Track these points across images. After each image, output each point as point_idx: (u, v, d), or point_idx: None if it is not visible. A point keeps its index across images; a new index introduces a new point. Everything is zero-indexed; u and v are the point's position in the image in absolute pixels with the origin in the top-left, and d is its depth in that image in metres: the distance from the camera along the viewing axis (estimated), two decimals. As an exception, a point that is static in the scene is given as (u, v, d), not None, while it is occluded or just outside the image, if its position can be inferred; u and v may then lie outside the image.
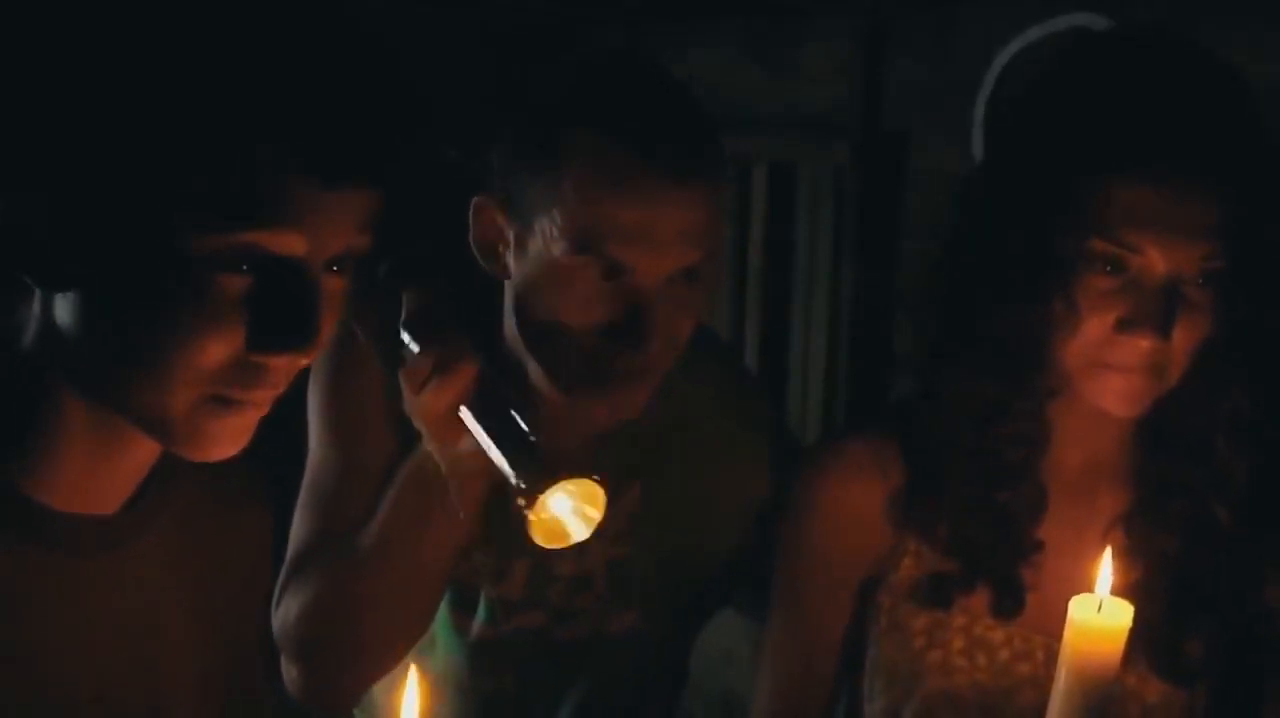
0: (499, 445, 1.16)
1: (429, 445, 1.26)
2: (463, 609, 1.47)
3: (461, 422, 1.19)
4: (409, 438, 1.30)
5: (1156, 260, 1.17)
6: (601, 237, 1.21)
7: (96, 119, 0.86)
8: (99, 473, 0.97)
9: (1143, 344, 1.19)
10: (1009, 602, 1.32)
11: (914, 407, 1.37)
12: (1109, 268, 1.19)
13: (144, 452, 0.99)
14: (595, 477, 1.14)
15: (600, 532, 1.24)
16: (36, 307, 0.93)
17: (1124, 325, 1.19)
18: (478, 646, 1.48)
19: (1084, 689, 1.12)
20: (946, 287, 1.31)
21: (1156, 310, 1.18)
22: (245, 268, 0.88)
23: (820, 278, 3.15)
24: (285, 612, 1.38)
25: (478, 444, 1.19)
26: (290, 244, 0.89)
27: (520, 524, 1.14)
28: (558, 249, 1.22)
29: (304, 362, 0.93)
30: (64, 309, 0.90)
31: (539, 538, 1.15)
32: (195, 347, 0.88)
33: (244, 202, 0.86)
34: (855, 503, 1.36)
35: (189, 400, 0.91)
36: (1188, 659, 1.30)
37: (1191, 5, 2.13)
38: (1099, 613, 1.12)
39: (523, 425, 1.17)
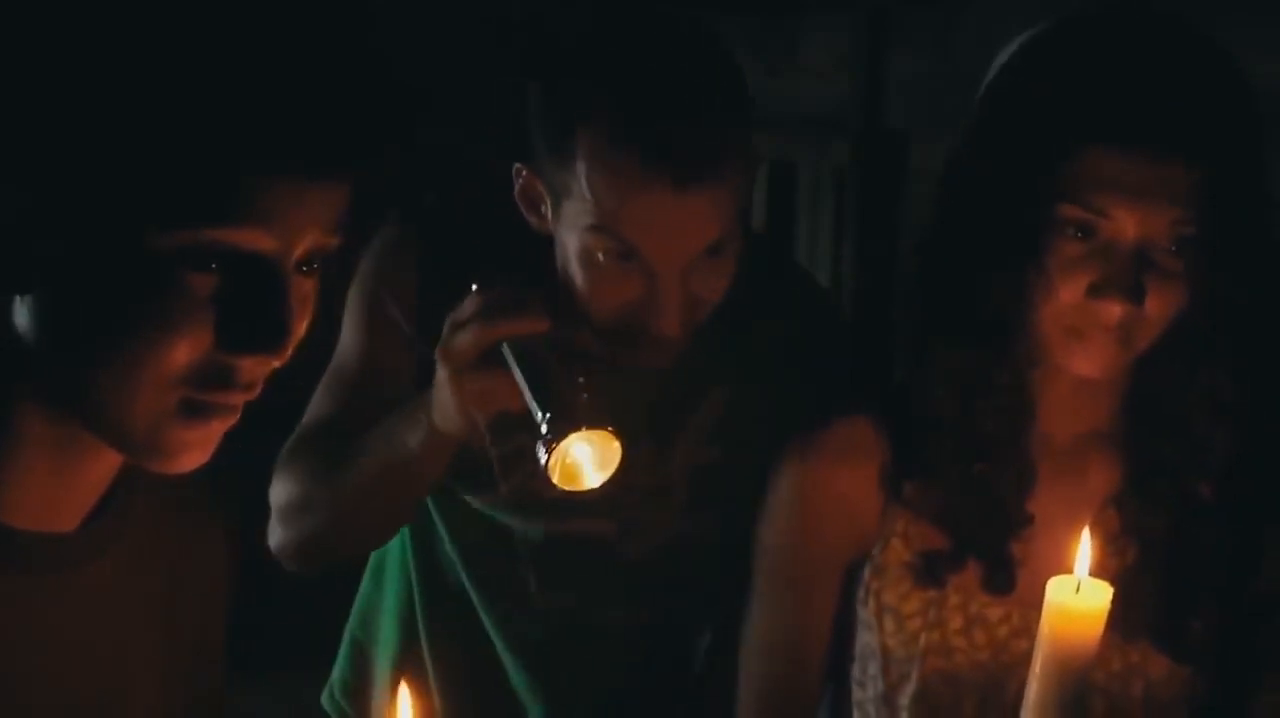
0: (531, 388, 1.19)
1: (445, 380, 1.24)
2: (520, 512, 1.46)
3: (487, 367, 1.21)
4: (429, 363, 1.29)
5: (1125, 225, 1.18)
6: (617, 221, 1.23)
7: (57, 114, 0.84)
8: (59, 490, 0.94)
9: (1113, 309, 1.19)
10: (1000, 576, 1.32)
11: (901, 385, 1.37)
12: (1079, 233, 1.19)
13: (105, 466, 0.96)
14: (612, 429, 1.17)
15: (679, 437, 1.30)
16: None
17: (1094, 291, 1.19)
18: (539, 551, 1.47)
19: (1062, 671, 1.12)
20: (929, 260, 1.32)
21: (1126, 275, 1.18)
22: (214, 266, 0.86)
23: (820, 277, 3.14)
24: (276, 486, 1.42)
25: (493, 393, 1.21)
26: (258, 242, 0.86)
27: (539, 466, 1.17)
28: (582, 223, 1.25)
29: (274, 363, 0.90)
30: (25, 316, 0.88)
31: (556, 478, 1.18)
32: (162, 346, 0.86)
33: (210, 198, 0.84)
34: (842, 485, 1.35)
35: (156, 406, 0.88)
36: (1189, 636, 1.29)
37: (1192, 6, 2.13)
38: (1077, 594, 1.12)
39: (557, 374, 1.20)
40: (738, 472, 1.43)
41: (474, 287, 1.24)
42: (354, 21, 0.89)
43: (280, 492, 1.42)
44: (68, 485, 0.95)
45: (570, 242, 1.28)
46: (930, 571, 1.33)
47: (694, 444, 1.44)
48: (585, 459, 1.19)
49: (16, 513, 0.92)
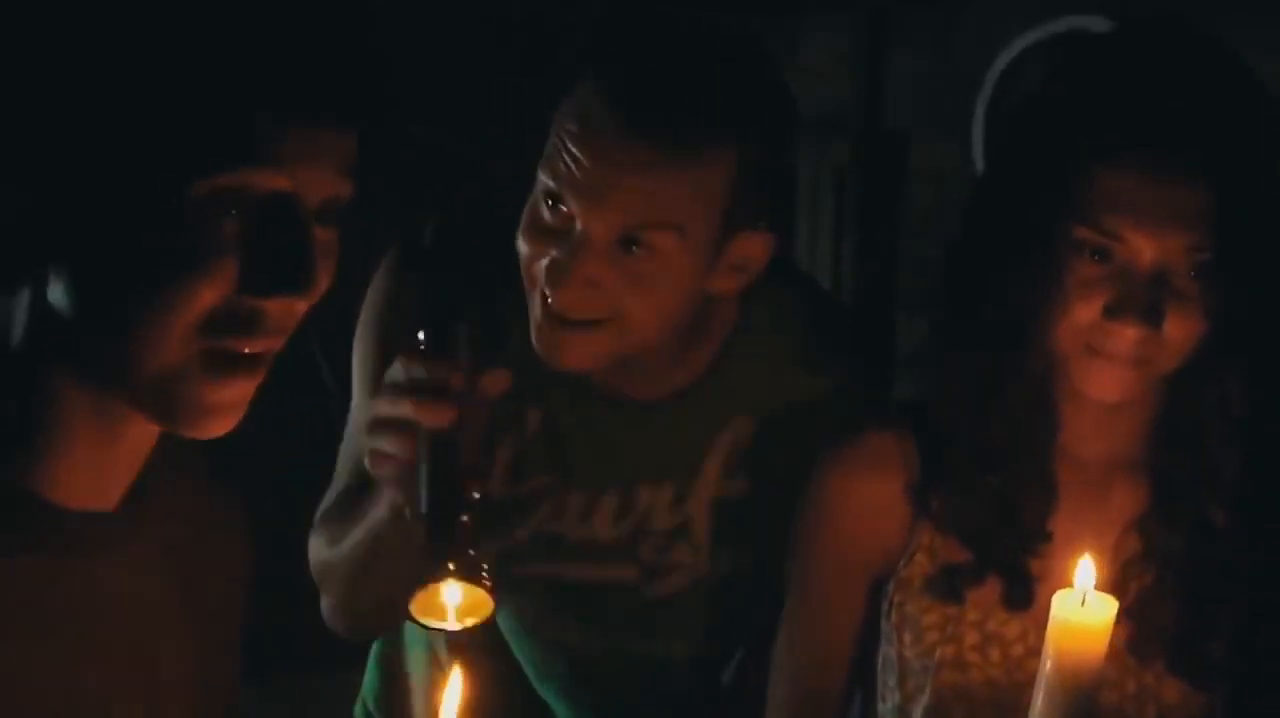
0: (427, 483, 1.12)
1: (363, 445, 1.20)
2: (545, 558, 1.42)
3: (389, 434, 1.15)
4: None
5: (1140, 248, 1.17)
6: (555, 173, 1.22)
7: (71, 72, 0.85)
8: (101, 466, 0.96)
9: (1129, 333, 1.18)
10: (1018, 593, 1.31)
11: (926, 401, 1.37)
12: (1095, 255, 1.19)
13: (141, 442, 0.98)
14: (487, 585, 1.09)
15: (700, 474, 1.29)
16: (25, 300, 0.92)
17: (1110, 313, 1.19)
18: (563, 592, 1.44)
19: (1067, 687, 1.10)
20: (949, 274, 1.32)
21: (1142, 298, 1.17)
22: (234, 212, 0.87)
23: (820, 277, 3.14)
24: (309, 553, 1.40)
25: (385, 462, 1.15)
26: (275, 182, 0.88)
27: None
28: (537, 183, 1.24)
29: (300, 306, 0.92)
30: (53, 290, 0.89)
31: (414, 608, 1.10)
32: (188, 294, 0.87)
33: (226, 143, 0.86)
34: (869, 498, 1.35)
35: (185, 356, 0.90)
36: (1206, 660, 1.29)
37: (1192, 6, 2.13)
38: (1082, 608, 1.11)
39: (462, 501, 1.11)
40: (766, 504, 1.41)
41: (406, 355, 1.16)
42: None
43: (311, 560, 1.40)
44: (108, 462, 0.97)
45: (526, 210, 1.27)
46: (950, 585, 1.33)
47: (715, 478, 1.41)
48: (450, 603, 1.10)
49: (62, 491, 0.94)
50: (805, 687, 1.43)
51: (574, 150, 1.21)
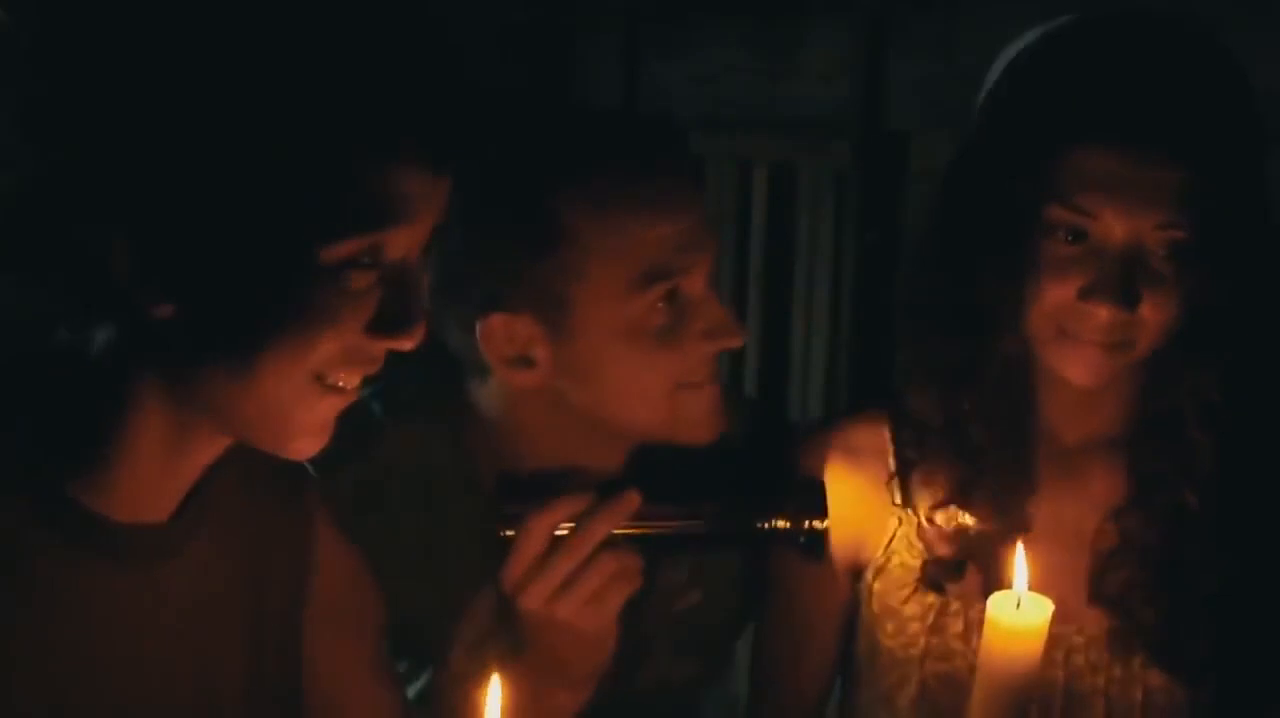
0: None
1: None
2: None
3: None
4: None
5: (1113, 226, 1.17)
6: (664, 262, 1.20)
7: (218, 146, 0.85)
8: (162, 482, 0.98)
9: (1102, 313, 1.19)
10: (996, 583, 1.32)
11: (900, 388, 1.37)
12: (1069, 236, 1.19)
13: (207, 457, 0.99)
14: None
15: (658, 592, 1.25)
16: (117, 320, 0.92)
17: (1084, 294, 1.19)
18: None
19: (1002, 690, 1.10)
20: (922, 255, 1.32)
21: (1115, 279, 1.17)
22: (366, 263, 0.90)
23: (820, 278, 3.14)
24: None
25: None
26: (412, 237, 0.92)
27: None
28: (617, 287, 1.20)
29: (408, 345, 0.95)
30: (171, 326, 0.89)
31: None
32: (315, 344, 0.90)
33: (372, 204, 0.88)
34: (846, 488, 1.36)
35: (303, 396, 0.93)
36: (1187, 655, 1.29)
37: (1193, 6, 2.12)
38: (1018, 610, 1.11)
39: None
40: (719, 617, 1.42)
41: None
42: (437, 23, 0.93)
43: None
44: (171, 478, 0.98)
45: (606, 326, 1.21)
46: (930, 577, 1.33)
47: (675, 590, 1.39)
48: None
49: (115, 506, 0.95)
50: (787, 676, 1.43)
51: (670, 236, 1.23)
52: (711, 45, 3.34)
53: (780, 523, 1.21)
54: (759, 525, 1.21)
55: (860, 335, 3.09)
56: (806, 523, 1.20)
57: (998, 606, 1.11)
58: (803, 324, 3.20)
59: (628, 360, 1.22)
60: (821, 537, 1.20)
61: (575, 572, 1.14)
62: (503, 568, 1.16)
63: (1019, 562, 1.14)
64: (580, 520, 1.14)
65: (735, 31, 3.31)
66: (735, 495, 1.24)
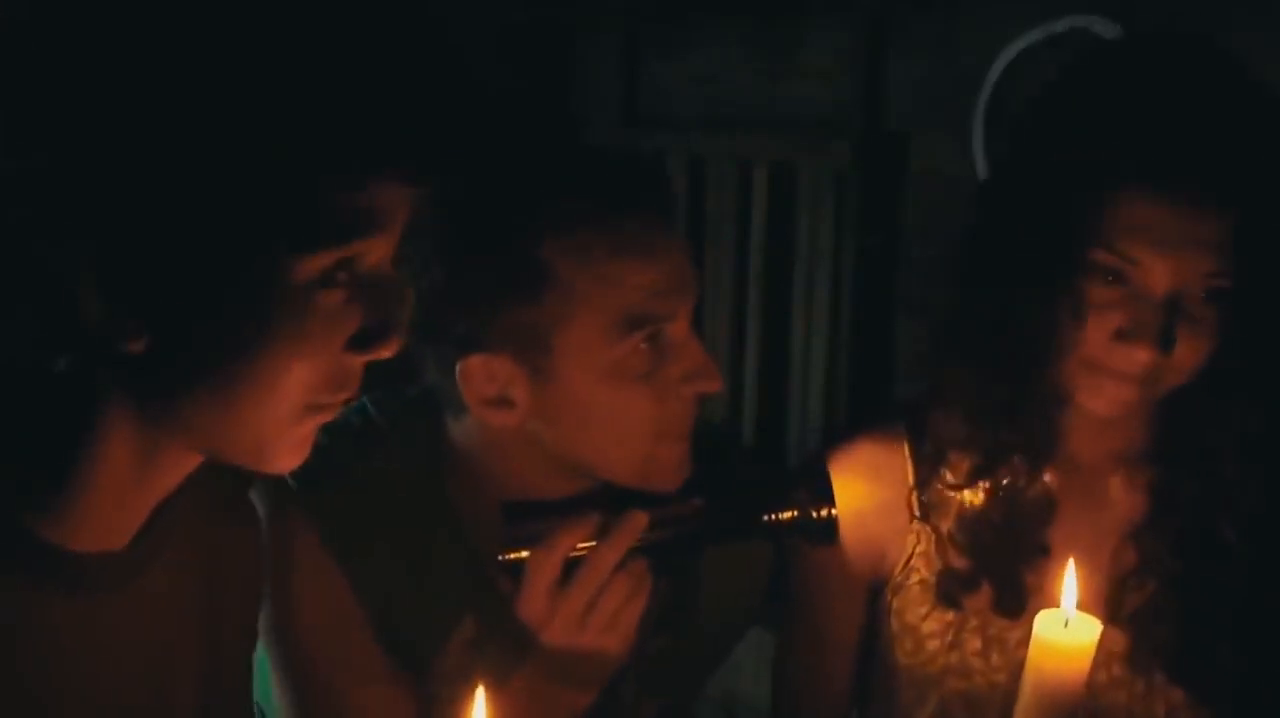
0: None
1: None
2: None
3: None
4: None
5: (1157, 274, 1.16)
6: (649, 307, 1.20)
7: (189, 161, 0.83)
8: (125, 509, 0.96)
9: (1139, 355, 1.18)
10: (1010, 600, 1.31)
11: (922, 407, 1.36)
12: (1110, 278, 1.18)
13: (174, 479, 0.97)
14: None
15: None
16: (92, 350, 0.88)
17: (1121, 335, 1.18)
18: None
19: (1047, 708, 1.09)
20: (957, 287, 1.31)
21: (1154, 323, 1.16)
22: (340, 276, 0.88)
23: (820, 278, 3.14)
24: None
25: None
26: (383, 249, 0.90)
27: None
28: (600, 328, 1.20)
29: (386, 355, 0.94)
30: (144, 358, 0.87)
31: None
32: (298, 363, 0.88)
33: (346, 217, 0.86)
34: (864, 503, 1.35)
35: (285, 416, 0.91)
36: (1208, 677, 1.28)
37: (1194, 6, 2.13)
38: (1065, 629, 1.10)
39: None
40: (685, 661, 1.40)
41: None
42: (435, 27, 0.91)
43: None
44: (134, 504, 0.96)
45: (587, 369, 1.21)
46: (946, 591, 1.33)
47: (638, 638, 1.35)
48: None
49: (73, 536, 0.93)
50: (805, 693, 1.43)
51: (657, 280, 1.22)
52: (711, 45, 3.34)
53: (787, 514, 1.20)
54: (766, 518, 1.21)
55: (860, 335, 3.08)
56: (814, 513, 1.20)
57: (1045, 625, 1.11)
58: (803, 324, 3.20)
59: (608, 403, 1.22)
60: (830, 524, 1.20)
61: (594, 598, 1.16)
62: (517, 599, 1.18)
63: (1068, 581, 1.13)
64: (592, 552, 1.16)
65: (735, 31, 3.31)
66: (737, 493, 1.24)
